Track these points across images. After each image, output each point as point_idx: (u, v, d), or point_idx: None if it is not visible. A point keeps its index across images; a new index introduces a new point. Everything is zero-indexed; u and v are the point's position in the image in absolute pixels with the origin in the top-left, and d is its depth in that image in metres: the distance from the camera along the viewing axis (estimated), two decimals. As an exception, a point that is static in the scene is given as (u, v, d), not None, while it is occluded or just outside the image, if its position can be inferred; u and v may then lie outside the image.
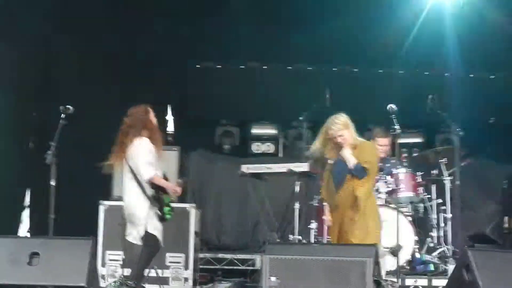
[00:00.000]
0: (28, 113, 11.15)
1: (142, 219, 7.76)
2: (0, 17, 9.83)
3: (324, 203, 9.59)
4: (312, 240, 9.79)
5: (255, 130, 13.23)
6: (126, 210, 7.92)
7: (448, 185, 9.86)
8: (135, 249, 7.83)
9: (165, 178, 8.10)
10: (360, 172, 7.91)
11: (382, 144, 10.05)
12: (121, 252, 8.40)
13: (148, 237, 7.75)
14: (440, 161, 10.11)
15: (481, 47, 11.67)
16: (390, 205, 9.50)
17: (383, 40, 11.86)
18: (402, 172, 9.81)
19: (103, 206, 9.24)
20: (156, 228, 7.83)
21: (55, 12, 10.50)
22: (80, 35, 10.81)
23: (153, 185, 7.84)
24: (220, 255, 10.94)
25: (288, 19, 12.01)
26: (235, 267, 10.71)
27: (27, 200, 10.89)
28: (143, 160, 7.77)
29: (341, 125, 7.99)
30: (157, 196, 7.82)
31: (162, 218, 7.88)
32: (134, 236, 7.85)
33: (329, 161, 8.15)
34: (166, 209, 7.89)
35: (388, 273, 8.64)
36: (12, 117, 10.42)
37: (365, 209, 7.88)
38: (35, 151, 10.48)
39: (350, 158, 7.93)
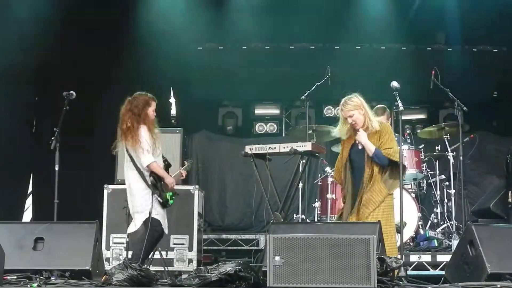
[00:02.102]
0: (31, 99, 11.19)
1: (144, 206, 7.82)
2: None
3: (329, 182, 9.66)
4: (316, 218, 9.83)
5: (258, 111, 13.26)
6: (128, 198, 7.98)
7: (451, 160, 9.85)
8: (138, 233, 7.87)
9: (167, 164, 8.14)
10: (382, 159, 7.64)
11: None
12: (125, 235, 8.42)
13: (152, 222, 7.79)
14: (443, 137, 10.09)
15: (484, 21, 11.59)
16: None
17: (384, 16, 11.82)
18: (405, 149, 9.79)
19: (107, 190, 9.25)
20: (158, 213, 7.88)
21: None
22: (79, 15, 10.82)
23: (152, 172, 7.88)
24: (224, 236, 11.02)
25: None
26: (239, 248, 10.80)
27: (30, 186, 10.92)
28: (142, 147, 7.83)
29: (351, 106, 7.74)
30: (156, 182, 7.86)
31: (164, 204, 7.92)
32: (134, 224, 7.92)
33: (346, 145, 7.96)
34: (168, 194, 7.93)
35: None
36: (15, 103, 10.44)
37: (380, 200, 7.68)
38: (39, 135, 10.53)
39: (368, 144, 7.69)
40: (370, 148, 7.64)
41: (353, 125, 7.74)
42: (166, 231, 8.06)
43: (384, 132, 7.72)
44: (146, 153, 7.83)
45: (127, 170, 7.99)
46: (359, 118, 7.71)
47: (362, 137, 7.68)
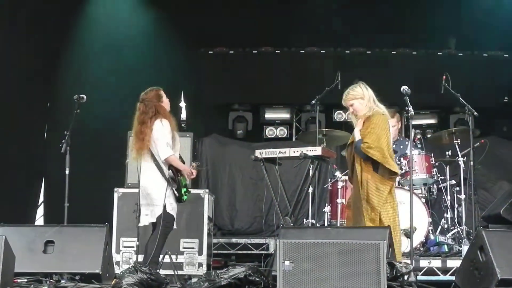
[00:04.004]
0: (42, 104, 11.23)
1: (160, 199, 7.79)
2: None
3: (339, 187, 9.67)
4: (326, 223, 9.82)
5: (268, 115, 13.24)
6: (143, 191, 7.92)
7: (462, 166, 9.83)
8: (148, 232, 7.88)
9: (181, 161, 8.16)
10: (358, 151, 7.76)
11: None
12: (135, 239, 8.43)
13: (165, 217, 7.77)
14: (454, 142, 10.06)
15: (495, 26, 11.57)
16: (404, 187, 9.50)
17: (395, 21, 11.81)
18: (415, 154, 9.77)
19: (117, 193, 9.26)
20: (173, 209, 7.88)
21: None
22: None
23: (170, 166, 7.89)
24: (234, 240, 11.01)
25: (299, 2, 11.97)
26: (248, 252, 10.78)
27: (42, 196, 10.95)
28: (162, 141, 7.84)
29: (351, 95, 7.95)
30: (175, 176, 7.87)
31: (179, 199, 7.93)
32: (147, 218, 7.90)
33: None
34: (183, 190, 7.95)
35: (402, 254, 8.65)
36: (26, 108, 10.47)
37: (369, 191, 7.76)
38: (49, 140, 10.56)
39: (356, 135, 7.87)
40: (355, 138, 7.85)
41: (353, 113, 7.96)
42: (174, 225, 8.02)
43: (372, 124, 7.78)
44: (165, 146, 7.83)
45: (145, 164, 7.93)
46: (359, 107, 7.91)
47: (355, 129, 7.92)
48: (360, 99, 7.91)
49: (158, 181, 7.86)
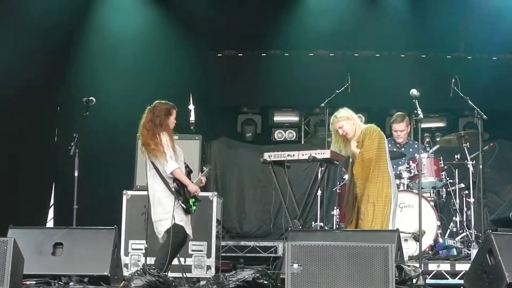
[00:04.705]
0: (53, 107, 11.26)
1: (168, 213, 7.83)
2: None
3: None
4: (334, 226, 9.81)
5: (277, 118, 13.25)
6: (152, 205, 7.98)
7: (471, 169, 9.81)
8: (161, 239, 7.94)
9: (189, 170, 8.17)
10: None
11: (398, 129, 10.07)
12: (144, 241, 8.45)
13: (175, 229, 7.80)
14: (463, 145, 10.05)
15: (504, 29, 11.54)
16: (413, 191, 9.48)
17: (404, 23, 11.79)
18: (424, 157, 9.76)
19: (126, 196, 9.28)
20: (182, 220, 7.89)
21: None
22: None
23: (175, 179, 7.90)
24: (242, 243, 11.01)
25: (308, 5, 11.96)
26: (257, 255, 10.78)
27: (52, 198, 10.97)
28: (166, 154, 7.85)
29: (340, 117, 8.32)
30: (180, 189, 7.87)
31: (187, 210, 7.93)
32: (159, 231, 7.94)
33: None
34: (191, 200, 7.95)
35: (411, 258, 8.65)
36: (37, 112, 10.50)
37: (367, 197, 8.09)
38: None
39: (355, 151, 8.26)
40: (357, 153, 8.30)
41: (343, 135, 8.32)
42: (191, 235, 8.08)
43: (366, 136, 8.24)
44: (169, 159, 7.85)
45: (150, 178, 7.98)
46: (349, 128, 8.31)
47: (352, 146, 8.33)
48: (348, 119, 8.32)
49: (164, 195, 7.90)
